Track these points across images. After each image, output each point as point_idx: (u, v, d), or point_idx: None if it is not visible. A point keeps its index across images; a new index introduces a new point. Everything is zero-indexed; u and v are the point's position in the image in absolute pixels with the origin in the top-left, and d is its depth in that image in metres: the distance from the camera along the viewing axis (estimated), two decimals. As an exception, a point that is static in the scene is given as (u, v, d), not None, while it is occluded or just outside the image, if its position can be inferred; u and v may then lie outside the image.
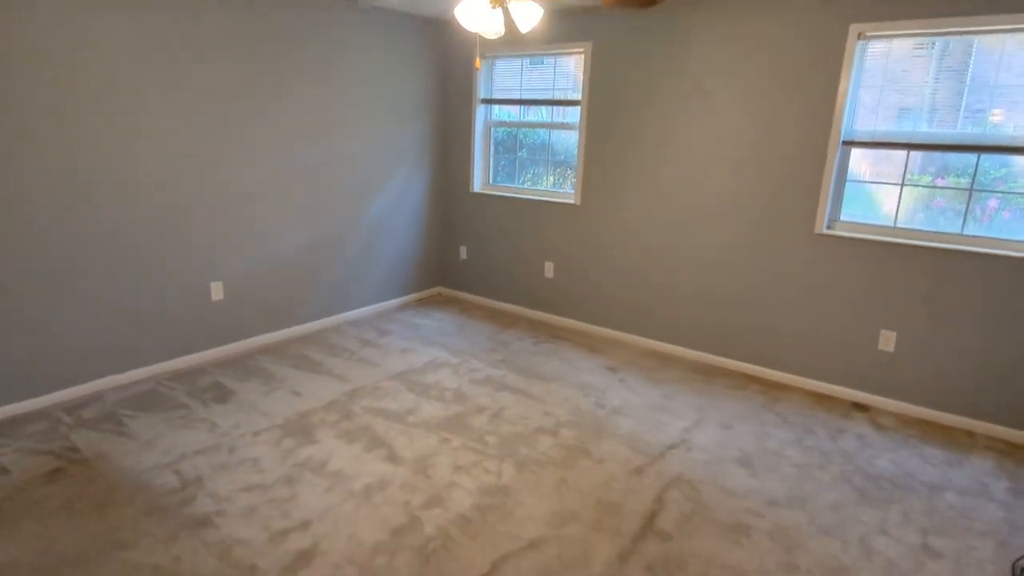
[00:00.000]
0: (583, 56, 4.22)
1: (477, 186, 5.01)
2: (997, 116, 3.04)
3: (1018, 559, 2.26)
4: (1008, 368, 3.12)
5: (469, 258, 5.17)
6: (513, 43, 4.49)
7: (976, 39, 3.02)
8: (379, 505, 2.41)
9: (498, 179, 5.04)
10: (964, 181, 3.18)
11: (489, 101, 4.88)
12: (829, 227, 3.52)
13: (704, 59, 3.72)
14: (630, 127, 4.09)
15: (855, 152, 3.43)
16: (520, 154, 4.90)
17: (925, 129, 3.20)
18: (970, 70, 3.05)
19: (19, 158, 2.80)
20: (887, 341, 3.41)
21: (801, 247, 3.59)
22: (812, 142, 3.45)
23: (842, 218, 3.53)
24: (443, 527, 2.30)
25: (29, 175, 2.84)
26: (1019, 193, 3.07)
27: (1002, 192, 3.12)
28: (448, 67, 4.93)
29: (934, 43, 3.13)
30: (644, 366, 3.96)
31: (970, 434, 3.22)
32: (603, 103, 4.18)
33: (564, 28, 4.24)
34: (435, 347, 4.12)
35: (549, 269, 4.69)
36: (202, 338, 3.70)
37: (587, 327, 4.59)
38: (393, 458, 2.75)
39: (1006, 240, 3.10)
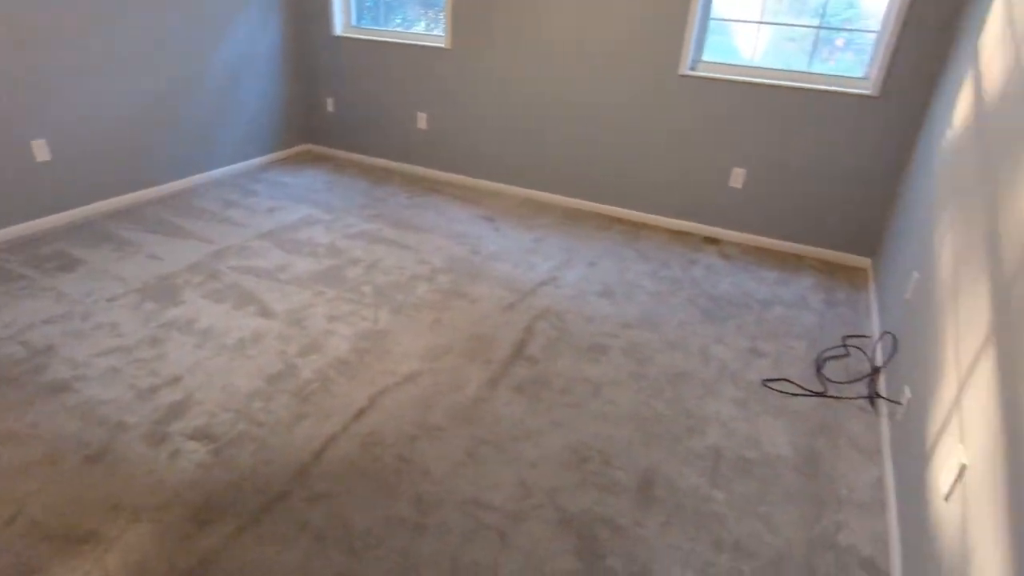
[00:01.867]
0: None
1: (339, 29, 4.58)
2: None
3: (821, 352, 2.70)
4: (832, 198, 3.50)
5: (337, 110, 4.85)
6: None
7: None
8: (253, 356, 2.41)
9: (363, 21, 4.63)
10: (816, 21, 3.33)
11: (344, -74, 4.33)
12: (692, 67, 3.61)
13: None
14: (499, -41, 3.82)
15: (718, -11, 3.45)
16: (385, -9, 4.48)
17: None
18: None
19: None
20: (737, 178, 3.68)
21: (665, 89, 3.67)
22: (678, -23, 3.41)
23: (704, 58, 3.62)
24: (321, 371, 2.36)
25: None
26: (861, 31, 3.28)
27: (847, 31, 3.31)
28: None
29: None
30: (519, 214, 4.06)
31: (798, 257, 3.66)
32: (469, -70, 3.84)
33: None
34: (306, 204, 3.96)
35: (422, 120, 4.52)
36: (33, 204, 3.30)
37: (463, 179, 4.56)
38: (265, 313, 2.71)
39: (844, 77, 3.34)
